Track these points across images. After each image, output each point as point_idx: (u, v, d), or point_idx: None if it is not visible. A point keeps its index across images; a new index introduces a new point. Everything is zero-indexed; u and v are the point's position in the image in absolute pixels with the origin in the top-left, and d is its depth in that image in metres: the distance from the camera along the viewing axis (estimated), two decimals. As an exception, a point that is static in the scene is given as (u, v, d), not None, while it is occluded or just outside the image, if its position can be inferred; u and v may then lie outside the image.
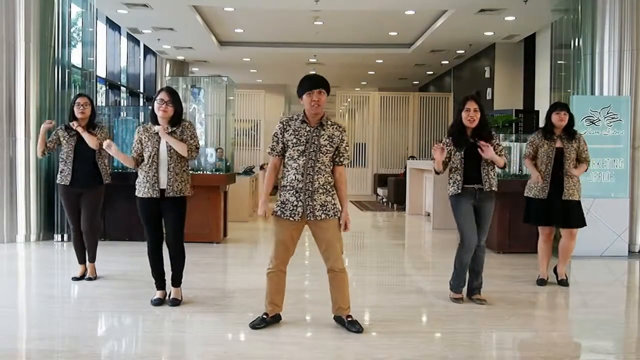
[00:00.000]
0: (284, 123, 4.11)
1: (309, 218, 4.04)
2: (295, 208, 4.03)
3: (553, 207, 5.52)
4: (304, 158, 4.02)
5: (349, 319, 4.16)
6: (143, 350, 3.91)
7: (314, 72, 4.22)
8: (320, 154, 4.03)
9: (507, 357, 4.00)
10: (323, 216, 4.04)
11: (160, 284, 4.82)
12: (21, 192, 7.63)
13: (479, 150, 4.77)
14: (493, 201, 4.92)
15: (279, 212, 4.08)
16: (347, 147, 4.16)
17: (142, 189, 4.63)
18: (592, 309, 5.21)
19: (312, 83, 4.03)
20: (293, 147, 4.04)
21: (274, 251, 4.13)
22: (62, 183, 5.49)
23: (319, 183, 4.03)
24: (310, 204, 4.02)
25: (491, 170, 4.87)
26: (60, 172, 5.51)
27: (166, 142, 4.58)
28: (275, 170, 4.18)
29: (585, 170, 5.64)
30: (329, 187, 4.07)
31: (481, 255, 4.96)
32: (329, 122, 4.11)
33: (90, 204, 5.50)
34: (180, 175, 4.63)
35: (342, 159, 4.14)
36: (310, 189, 4.01)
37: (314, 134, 4.03)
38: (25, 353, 3.85)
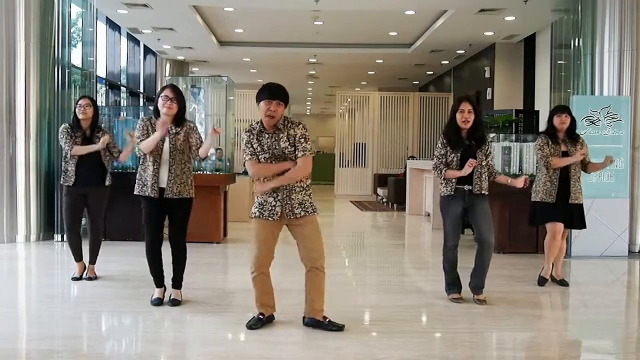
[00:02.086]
0: (250, 132, 4.09)
1: (288, 217, 4.05)
2: (273, 208, 4.05)
3: (558, 209, 5.52)
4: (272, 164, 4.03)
5: (327, 319, 4.15)
6: (143, 350, 3.91)
7: (275, 83, 4.21)
8: (285, 157, 4.03)
9: (507, 357, 4.00)
10: (302, 213, 4.06)
11: (159, 282, 4.81)
12: (21, 192, 7.62)
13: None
14: (485, 200, 4.91)
15: (257, 214, 4.10)
16: (306, 139, 4.04)
17: (139, 187, 4.62)
18: (592, 309, 5.21)
19: (271, 93, 4.04)
20: (260, 154, 4.05)
21: (256, 254, 4.12)
22: (66, 184, 5.47)
23: (294, 183, 4.04)
24: (288, 202, 4.04)
25: (484, 173, 4.87)
26: (64, 172, 5.48)
27: (169, 142, 4.58)
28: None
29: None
30: (304, 185, 4.10)
31: (487, 254, 4.91)
32: (286, 123, 4.07)
33: (96, 204, 5.51)
34: (180, 177, 4.63)
35: (299, 152, 4.01)
36: (287, 188, 4.04)
37: (273, 139, 4.04)
38: (25, 353, 3.86)
